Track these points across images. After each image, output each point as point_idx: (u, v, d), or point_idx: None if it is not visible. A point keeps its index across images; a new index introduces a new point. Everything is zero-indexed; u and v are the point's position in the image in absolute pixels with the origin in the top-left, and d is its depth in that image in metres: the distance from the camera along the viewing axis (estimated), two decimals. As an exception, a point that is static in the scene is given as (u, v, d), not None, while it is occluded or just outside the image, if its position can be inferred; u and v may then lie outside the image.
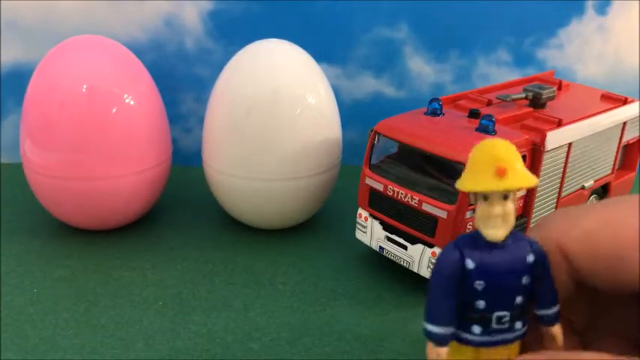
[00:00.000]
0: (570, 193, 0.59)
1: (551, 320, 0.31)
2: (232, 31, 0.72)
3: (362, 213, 0.56)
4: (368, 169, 0.54)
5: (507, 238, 0.30)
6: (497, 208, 0.29)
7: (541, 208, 0.55)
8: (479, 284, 0.30)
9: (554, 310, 0.30)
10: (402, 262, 0.53)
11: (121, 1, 0.71)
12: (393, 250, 0.54)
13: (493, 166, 0.29)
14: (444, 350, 0.30)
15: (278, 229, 0.62)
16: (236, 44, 0.62)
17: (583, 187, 0.61)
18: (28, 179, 0.59)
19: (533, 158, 0.52)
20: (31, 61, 0.70)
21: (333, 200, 0.65)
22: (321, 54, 0.65)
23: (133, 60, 0.60)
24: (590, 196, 0.63)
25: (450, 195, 0.48)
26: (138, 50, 0.63)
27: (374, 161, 0.55)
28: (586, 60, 0.77)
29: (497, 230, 0.29)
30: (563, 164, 0.56)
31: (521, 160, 0.30)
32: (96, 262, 0.57)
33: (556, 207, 0.58)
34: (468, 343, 0.31)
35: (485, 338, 0.31)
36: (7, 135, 0.75)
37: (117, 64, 0.58)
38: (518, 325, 0.31)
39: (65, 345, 0.46)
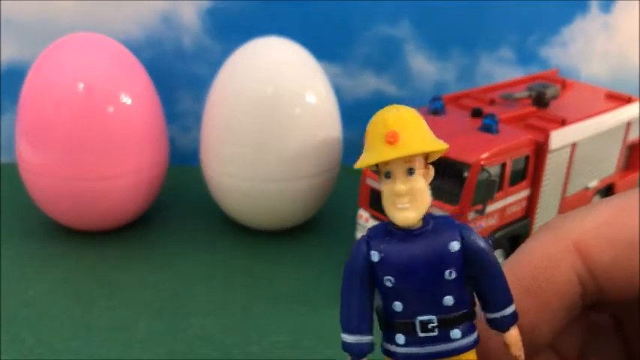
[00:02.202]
0: (574, 193, 0.58)
1: (503, 325, 0.25)
2: (230, 29, 0.72)
3: (362, 214, 0.55)
4: (368, 169, 0.54)
5: (428, 223, 0.24)
6: (400, 186, 0.24)
7: (545, 209, 0.55)
8: (387, 280, 0.24)
9: (506, 312, 0.25)
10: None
11: (118, -1, 0.70)
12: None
13: (384, 133, 0.24)
14: None
15: (277, 230, 0.62)
16: (234, 42, 0.62)
17: (587, 187, 0.60)
18: (23, 179, 0.58)
19: (537, 158, 0.51)
20: (28, 60, 0.69)
21: (333, 200, 0.65)
22: (321, 52, 0.64)
23: (130, 58, 0.59)
24: (594, 196, 0.62)
25: (452, 195, 0.48)
26: (135, 48, 0.62)
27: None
28: (590, 58, 0.76)
29: (405, 212, 0.24)
30: (567, 164, 0.55)
31: (424, 125, 0.24)
32: (92, 263, 0.56)
33: (560, 207, 0.57)
34: (392, 356, 0.25)
35: (413, 349, 0.25)
36: (5, 134, 0.75)
37: (114, 62, 0.57)
38: (456, 333, 0.25)
39: (61, 347, 0.46)
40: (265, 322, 0.49)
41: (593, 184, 0.60)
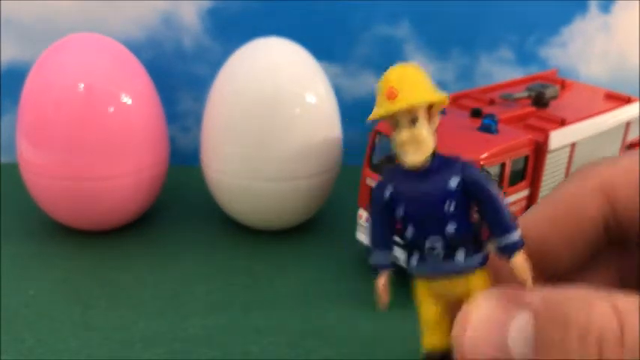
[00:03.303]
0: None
1: (507, 250, 0.28)
2: (231, 29, 0.72)
3: (362, 213, 0.55)
4: (368, 169, 0.54)
5: (434, 162, 0.28)
6: (404, 134, 0.28)
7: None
8: (400, 211, 0.29)
9: (510, 239, 0.28)
10: (402, 263, 0.52)
11: (118, 0, 0.70)
12: (393, 252, 0.53)
13: (386, 87, 0.28)
14: (383, 277, 0.31)
15: (277, 229, 0.62)
16: (235, 42, 0.62)
17: (586, 187, 0.60)
18: (24, 179, 0.59)
19: (537, 158, 0.52)
20: (29, 60, 0.69)
21: (333, 200, 0.65)
22: (321, 52, 0.64)
23: (131, 58, 0.59)
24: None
25: (452, 195, 0.48)
26: (135, 48, 0.62)
27: (375, 161, 0.54)
28: (589, 58, 0.76)
29: (410, 156, 0.28)
30: (566, 164, 0.55)
31: (423, 79, 0.28)
32: (93, 263, 0.56)
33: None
34: (411, 273, 0.30)
35: (425, 268, 0.29)
36: (4, 135, 0.75)
37: (114, 62, 0.57)
38: (460, 255, 0.29)
39: (62, 347, 0.46)
40: (265, 321, 0.49)
41: (593, 184, 0.60)
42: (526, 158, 0.51)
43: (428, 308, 0.32)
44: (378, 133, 0.53)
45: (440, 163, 0.29)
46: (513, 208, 0.52)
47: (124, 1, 0.70)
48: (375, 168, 0.54)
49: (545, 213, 0.29)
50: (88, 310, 0.50)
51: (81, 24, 0.69)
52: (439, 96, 0.28)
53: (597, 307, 0.22)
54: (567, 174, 0.56)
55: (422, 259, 0.30)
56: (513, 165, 0.50)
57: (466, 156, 0.47)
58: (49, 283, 0.53)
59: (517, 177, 0.51)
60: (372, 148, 0.54)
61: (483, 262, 0.29)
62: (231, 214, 0.62)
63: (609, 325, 0.22)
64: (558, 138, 0.52)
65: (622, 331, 0.22)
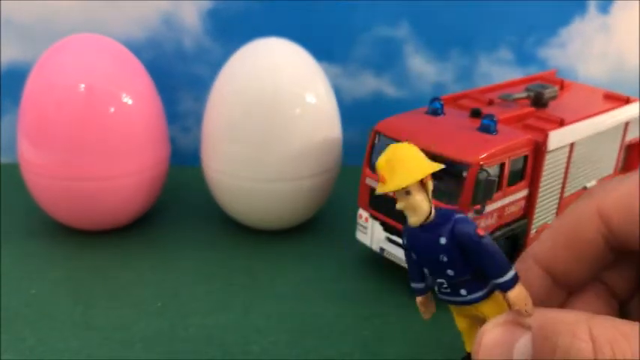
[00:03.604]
0: (572, 194, 0.58)
1: (501, 288, 0.33)
2: (231, 30, 0.72)
3: (362, 214, 0.55)
4: (368, 169, 0.54)
5: (434, 219, 0.34)
6: (400, 203, 0.34)
7: (543, 209, 0.55)
8: (413, 255, 0.36)
9: (500, 280, 0.33)
10: (402, 263, 0.53)
11: (119, 0, 0.70)
12: (393, 251, 0.53)
13: (378, 173, 0.35)
14: (419, 298, 0.38)
15: (278, 229, 0.62)
16: (235, 43, 0.62)
17: (585, 188, 0.60)
18: (25, 180, 0.59)
19: (536, 158, 0.52)
20: (29, 60, 0.69)
21: (333, 200, 0.65)
22: (321, 53, 0.64)
23: (131, 59, 0.59)
24: (593, 196, 0.62)
25: (451, 195, 0.48)
26: (136, 49, 0.63)
27: (374, 161, 0.54)
28: (588, 59, 0.77)
29: (410, 218, 0.35)
30: (565, 164, 0.56)
31: (409, 159, 0.34)
32: (94, 263, 0.56)
33: (558, 208, 0.57)
34: (437, 298, 0.37)
35: (443, 297, 0.36)
36: (5, 135, 0.75)
37: (115, 63, 0.58)
38: (463, 291, 0.36)
39: (63, 346, 0.46)
40: (265, 321, 0.49)
41: (592, 184, 0.61)
42: (525, 158, 0.51)
43: (458, 321, 0.39)
44: (378, 133, 0.53)
45: (437, 219, 0.34)
46: (512, 208, 0.52)
47: (125, 2, 0.70)
48: (375, 168, 0.54)
49: (554, 237, 0.34)
50: (89, 309, 0.50)
51: (82, 24, 0.70)
52: (419, 173, 0.34)
53: (578, 333, 0.28)
54: (566, 174, 0.56)
55: (439, 290, 0.37)
56: (512, 165, 0.50)
57: (465, 156, 0.47)
58: (50, 282, 0.53)
59: (516, 177, 0.51)
60: (372, 148, 0.54)
61: (486, 295, 0.35)
62: (232, 214, 0.62)
63: (585, 350, 0.27)
64: (557, 138, 0.52)
65: (595, 355, 0.27)
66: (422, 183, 0.34)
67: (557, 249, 0.34)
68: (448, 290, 0.36)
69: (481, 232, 0.34)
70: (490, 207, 0.49)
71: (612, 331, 0.27)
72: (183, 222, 0.64)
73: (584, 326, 0.28)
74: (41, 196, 0.58)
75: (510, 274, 0.33)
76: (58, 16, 0.70)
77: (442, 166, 0.35)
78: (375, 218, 0.54)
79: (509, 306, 0.32)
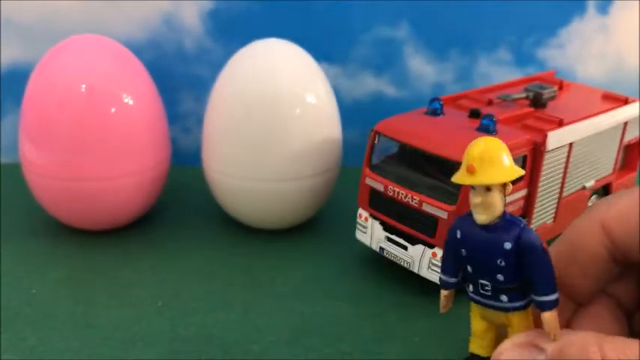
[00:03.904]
0: (571, 193, 0.59)
1: (541, 307, 0.33)
2: (232, 31, 0.72)
3: (362, 213, 0.56)
4: (368, 169, 0.54)
5: (499, 222, 0.34)
6: (477, 198, 0.34)
7: (542, 208, 0.55)
8: (463, 251, 0.36)
9: (543, 299, 0.33)
10: (402, 263, 0.53)
11: (119, 1, 0.70)
12: (393, 251, 0.53)
13: (467, 163, 0.34)
14: (445, 292, 0.39)
15: (278, 229, 0.62)
16: (235, 44, 0.62)
17: (584, 187, 0.60)
18: (26, 179, 0.59)
19: (534, 158, 0.52)
20: (30, 61, 0.69)
21: (333, 200, 0.65)
22: (321, 53, 0.64)
23: (132, 59, 0.60)
24: (591, 196, 0.63)
25: (451, 195, 0.48)
26: (137, 50, 0.63)
27: (374, 161, 0.54)
28: (587, 60, 0.77)
29: (478, 215, 0.34)
30: (564, 164, 0.56)
31: (503, 157, 0.34)
32: (94, 262, 0.57)
33: (557, 207, 0.57)
34: (468, 296, 0.37)
35: (477, 297, 0.37)
36: (6, 135, 0.75)
37: (116, 63, 0.58)
38: (504, 298, 0.36)
39: (63, 346, 0.46)
40: (265, 320, 0.50)
41: (590, 184, 0.61)
42: (524, 158, 0.51)
43: (476, 322, 0.39)
44: (378, 133, 0.54)
45: (503, 224, 0.34)
46: (511, 208, 0.52)
47: (126, 3, 0.71)
48: (375, 168, 0.54)
49: (559, 252, 0.35)
50: (90, 309, 0.50)
51: (83, 25, 0.70)
52: (512, 175, 0.34)
53: (591, 355, 0.29)
54: (565, 174, 0.56)
55: (475, 291, 0.37)
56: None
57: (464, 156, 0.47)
58: (50, 282, 0.54)
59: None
60: (372, 149, 0.54)
61: (523, 307, 0.36)
62: (232, 214, 0.62)
63: None
64: (556, 138, 0.52)
65: None
66: (504, 184, 0.34)
67: (565, 263, 0.35)
68: (489, 293, 0.36)
69: (546, 246, 0.34)
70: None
71: (623, 351, 0.29)
72: (184, 222, 0.64)
73: (595, 348, 0.29)
74: (42, 196, 0.59)
75: (554, 296, 0.33)
76: (59, 17, 0.71)
77: (523, 172, 0.35)
78: (375, 218, 0.55)
79: (543, 325, 0.33)
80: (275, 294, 0.53)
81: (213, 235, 0.62)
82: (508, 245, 0.34)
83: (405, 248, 0.52)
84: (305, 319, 0.50)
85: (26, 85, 0.57)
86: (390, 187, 0.52)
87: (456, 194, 0.48)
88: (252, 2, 0.71)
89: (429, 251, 0.50)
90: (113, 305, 0.51)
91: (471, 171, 0.34)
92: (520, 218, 0.35)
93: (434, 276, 0.50)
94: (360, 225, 0.56)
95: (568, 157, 0.56)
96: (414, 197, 0.50)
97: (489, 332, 0.40)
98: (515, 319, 0.37)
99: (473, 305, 0.38)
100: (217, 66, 0.62)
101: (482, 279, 0.36)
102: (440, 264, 0.45)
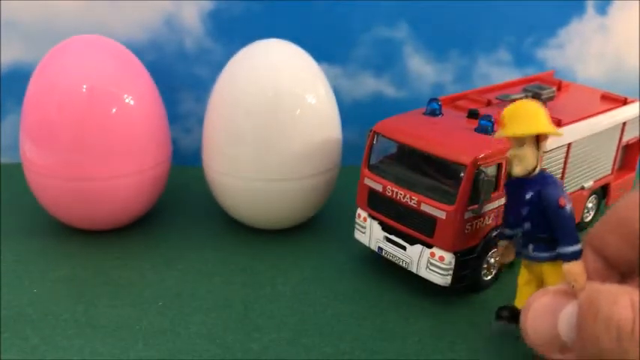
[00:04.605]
0: (570, 193, 0.59)
1: (562, 257, 0.37)
2: (232, 31, 0.72)
3: (361, 213, 0.56)
4: (367, 170, 0.54)
5: (534, 176, 0.39)
6: (511, 151, 0.40)
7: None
8: (505, 199, 0.43)
9: (563, 249, 0.37)
10: (400, 263, 0.53)
11: (120, 1, 0.71)
12: (391, 251, 0.54)
13: (500, 119, 0.40)
14: (502, 242, 0.45)
15: (278, 229, 0.62)
16: (236, 44, 0.62)
17: (582, 188, 0.61)
18: (27, 179, 0.59)
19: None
20: (31, 61, 0.70)
21: (333, 200, 0.65)
22: (321, 54, 0.65)
23: (133, 60, 0.60)
24: (590, 196, 0.63)
25: (449, 195, 0.48)
26: (137, 50, 0.63)
27: (373, 161, 0.55)
28: (586, 60, 0.77)
29: (514, 167, 0.40)
30: (562, 164, 0.56)
31: (533, 115, 0.38)
32: (95, 262, 0.57)
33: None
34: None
35: (517, 247, 0.42)
36: (6, 135, 0.75)
37: (117, 64, 0.58)
38: (530, 247, 0.41)
39: (65, 345, 0.46)
40: (266, 319, 0.50)
41: (589, 184, 0.61)
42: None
43: (522, 274, 0.44)
44: (376, 133, 0.54)
45: (536, 178, 0.39)
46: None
47: (127, 4, 0.71)
48: (374, 168, 0.54)
49: (609, 222, 0.37)
50: (91, 308, 0.51)
51: (84, 26, 0.70)
52: (537, 129, 0.38)
53: (620, 301, 0.29)
54: (563, 174, 0.57)
55: (516, 240, 0.42)
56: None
57: (463, 156, 0.48)
58: (51, 282, 0.54)
59: (514, 177, 0.51)
60: (370, 149, 0.54)
61: (549, 259, 0.40)
62: (232, 214, 0.63)
63: (625, 315, 0.28)
64: (554, 138, 0.53)
65: (635, 321, 0.28)
66: (538, 141, 0.39)
67: (607, 233, 0.37)
68: (520, 241, 0.41)
69: (562, 202, 0.38)
70: (488, 207, 0.49)
71: None
72: (185, 222, 0.65)
73: (626, 296, 0.29)
74: (43, 196, 0.59)
75: (573, 248, 0.37)
76: (60, 18, 0.71)
77: (561, 133, 0.40)
78: (374, 218, 0.55)
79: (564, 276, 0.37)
80: (275, 293, 0.53)
81: (213, 235, 0.62)
82: (528, 195, 0.39)
83: (404, 248, 0.52)
84: (305, 318, 0.50)
85: (27, 85, 0.58)
86: (388, 187, 0.52)
87: (454, 194, 0.48)
88: (252, 2, 0.72)
89: (427, 251, 0.51)
90: (114, 305, 0.51)
91: (501, 125, 0.39)
92: (552, 176, 0.40)
93: (432, 276, 0.51)
94: (359, 225, 0.56)
95: (567, 157, 0.56)
96: (413, 197, 0.50)
97: (529, 286, 0.44)
98: (547, 271, 0.41)
99: (521, 258, 0.43)
100: (218, 66, 0.62)
101: (517, 227, 0.41)
102: (438, 263, 0.50)
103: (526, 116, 0.39)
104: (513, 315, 0.46)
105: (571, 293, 0.33)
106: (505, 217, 0.44)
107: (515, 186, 0.41)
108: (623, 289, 0.30)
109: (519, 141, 0.39)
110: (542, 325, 0.33)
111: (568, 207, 0.38)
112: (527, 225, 0.40)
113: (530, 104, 0.39)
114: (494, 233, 0.51)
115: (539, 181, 0.40)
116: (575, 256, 0.37)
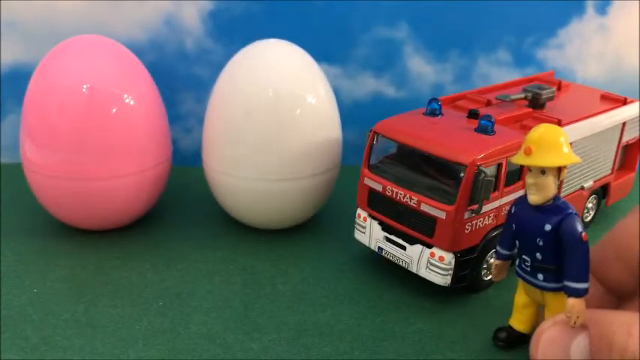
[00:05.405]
0: (570, 194, 0.59)
1: (568, 292, 0.36)
2: (232, 31, 0.73)
3: (361, 213, 0.56)
4: (367, 170, 0.54)
5: (549, 205, 0.38)
6: (531, 179, 0.38)
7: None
8: (513, 225, 0.41)
9: (572, 285, 0.36)
10: (400, 263, 0.53)
11: (120, 1, 0.71)
12: (391, 251, 0.54)
13: (526, 145, 0.38)
14: (496, 261, 0.44)
15: (278, 229, 0.62)
16: (236, 44, 0.62)
17: (582, 188, 0.61)
18: (27, 179, 0.59)
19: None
20: (31, 61, 0.70)
21: (333, 200, 0.65)
22: (321, 54, 0.65)
23: (133, 60, 0.60)
24: (590, 196, 0.63)
25: (449, 195, 0.49)
26: (138, 50, 0.63)
27: (373, 161, 0.55)
28: (586, 60, 0.77)
29: (532, 196, 0.38)
30: (562, 164, 0.56)
31: (560, 143, 0.37)
32: (96, 262, 0.57)
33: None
34: (515, 270, 0.42)
35: (520, 271, 0.41)
36: (6, 135, 0.75)
37: (117, 64, 0.58)
38: (540, 276, 0.39)
39: (65, 345, 0.46)
40: (266, 319, 0.50)
41: (589, 184, 0.61)
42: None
43: (520, 295, 0.43)
44: (376, 133, 0.54)
45: (552, 207, 0.38)
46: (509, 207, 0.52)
47: (127, 4, 0.71)
48: (374, 168, 0.54)
49: (606, 249, 0.37)
50: (91, 308, 0.51)
51: (84, 26, 0.70)
52: (566, 160, 0.37)
53: (633, 332, 0.29)
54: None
55: (519, 265, 0.41)
56: (509, 165, 0.50)
57: (463, 156, 0.48)
58: (52, 281, 0.54)
59: (513, 177, 0.52)
60: (370, 149, 0.54)
61: (557, 289, 0.38)
62: (232, 214, 0.63)
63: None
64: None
65: None
66: (559, 169, 0.37)
67: (610, 260, 0.37)
68: (528, 269, 0.40)
69: (585, 237, 0.36)
70: (487, 207, 0.49)
71: None
72: (185, 222, 0.65)
73: (638, 326, 0.30)
74: (44, 195, 0.59)
75: (582, 285, 0.36)
76: (61, 18, 0.71)
77: (580, 160, 0.38)
78: (374, 218, 0.55)
79: (566, 309, 0.35)
80: (275, 293, 0.53)
81: (213, 235, 0.62)
82: (548, 227, 0.37)
83: (404, 248, 0.52)
84: (304, 318, 0.50)
85: (27, 85, 0.58)
86: (388, 187, 0.52)
87: (454, 194, 0.48)
88: (252, 2, 0.72)
89: (427, 251, 0.51)
90: (114, 304, 0.51)
91: (527, 153, 0.37)
92: (570, 206, 0.38)
93: (432, 276, 0.51)
94: (359, 225, 0.56)
95: (566, 157, 0.56)
96: (413, 197, 0.50)
97: (528, 308, 0.43)
98: (550, 299, 0.40)
99: (520, 279, 0.42)
100: (218, 66, 0.62)
101: (525, 255, 0.40)
102: (437, 263, 0.49)
103: (555, 145, 0.37)
104: (511, 336, 0.46)
105: (581, 324, 0.33)
106: (504, 237, 0.43)
107: (529, 213, 0.39)
108: (633, 318, 0.30)
109: (540, 169, 0.37)
110: (554, 357, 0.33)
111: (587, 243, 0.37)
112: (538, 255, 0.39)
113: (555, 131, 0.38)
114: (495, 233, 0.51)
115: (558, 210, 0.38)
116: (582, 293, 0.36)
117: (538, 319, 0.43)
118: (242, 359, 0.46)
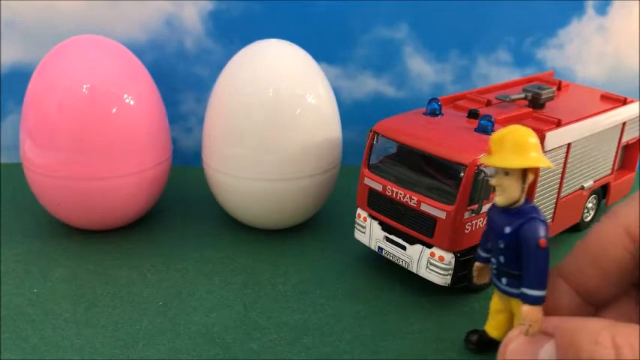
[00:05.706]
0: (570, 194, 0.59)
1: (523, 299, 0.35)
2: (232, 31, 0.73)
3: (361, 213, 0.56)
4: (367, 170, 0.54)
5: (515, 208, 0.37)
6: (495, 180, 0.37)
7: (540, 208, 0.55)
8: (487, 226, 0.40)
9: (527, 291, 0.35)
10: (400, 263, 0.53)
11: (121, 1, 0.71)
12: (391, 251, 0.54)
13: (488, 144, 0.37)
14: (477, 264, 0.43)
15: (278, 229, 0.62)
16: (236, 44, 0.62)
17: (582, 188, 0.61)
18: (27, 179, 0.59)
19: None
20: (31, 61, 0.70)
21: (333, 200, 0.65)
22: (321, 54, 0.65)
23: (133, 60, 0.60)
24: (590, 196, 0.63)
25: (449, 195, 0.49)
26: (138, 50, 0.63)
27: (373, 161, 0.55)
28: (586, 60, 0.77)
29: (497, 197, 0.37)
30: (562, 164, 0.56)
31: (525, 145, 0.35)
32: (96, 262, 0.57)
33: (555, 207, 0.58)
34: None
35: (492, 275, 0.41)
36: (7, 135, 0.75)
37: (117, 64, 0.58)
38: (504, 280, 0.39)
39: (65, 345, 0.46)
40: (266, 319, 0.50)
41: (589, 184, 0.61)
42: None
43: (493, 300, 0.43)
44: (376, 133, 0.54)
45: (518, 211, 0.37)
46: None
47: (127, 4, 0.71)
48: (374, 168, 0.54)
49: (580, 256, 0.35)
50: (91, 308, 0.51)
51: (84, 26, 0.70)
52: (525, 163, 0.35)
53: (600, 340, 0.29)
54: (563, 174, 0.57)
55: (492, 268, 0.40)
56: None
57: (463, 156, 0.48)
58: (52, 281, 0.54)
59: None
60: (370, 149, 0.54)
61: (519, 296, 0.36)
62: (232, 214, 0.63)
63: (607, 354, 0.28)
64: (554, 138, 0.53)
65: (617, 358, 0.28)
66: (524, 173, 0.36)
67: (585, 268, 0.35)
68: (495, 272, 0.40)
69: (543, 243, 0.35)
70: (487, 207, 0.49)
71: (634, 337, 0.28)
72: (185, 221, 0.65)
73: (606, 333, 0.29)
74: (44, 195, 0.59)
75: (538, 293, 0.35)
76: (61, 18, 0.71)
77: (550, 165, 0.36)
78: (374, 218, 0.55)
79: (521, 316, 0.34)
80: (275, 293, 0.53)
81: (213, 235, 0.62)
82: (508, 229, 0.37)
83: (404, 248, 0.52)
84: (305, 319, 0.50)
85: (27, 85, 0.58)
86: (388, 187, 0.52)
87: (454, 194, 0.48)
88: (252, 2, 0.72)
89: (427, 251, 0.51)
90: (114, 304, 0.51)
91: (488, 152, 0.36)
92: (537, 211, 0.37)
93: (432, 276, 0.51)
94: (359, 225, 0.56)
95: (566, 157, 0.56)
96: (413, 197, 0.50)
97: (501, 314, 0.43)
98: (517, 306, 0.38)
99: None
100: (218, 66, 0.62)
101: (493, 257, 0.40)
102: (437, 263, 0.50)
103: (515, 146, 0.36)
104: (482, 341, 0.45)
105: (548, 332, 0.32)
106: (483, 240, 0.42)
107: (497, 215, 0.38)
108: (601, 324, 0.30)
109: (504, 170, 0.36)
110: None
111: (547, 249, 0.36)
112: (501, 258, 0.38)
113: (520, 132, 0.36)
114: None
115: (521, 214, 0.37)
116: (539, 301, 0.35)
117: (510, 326, 0.43)
118: (242, 359, 0.46)
